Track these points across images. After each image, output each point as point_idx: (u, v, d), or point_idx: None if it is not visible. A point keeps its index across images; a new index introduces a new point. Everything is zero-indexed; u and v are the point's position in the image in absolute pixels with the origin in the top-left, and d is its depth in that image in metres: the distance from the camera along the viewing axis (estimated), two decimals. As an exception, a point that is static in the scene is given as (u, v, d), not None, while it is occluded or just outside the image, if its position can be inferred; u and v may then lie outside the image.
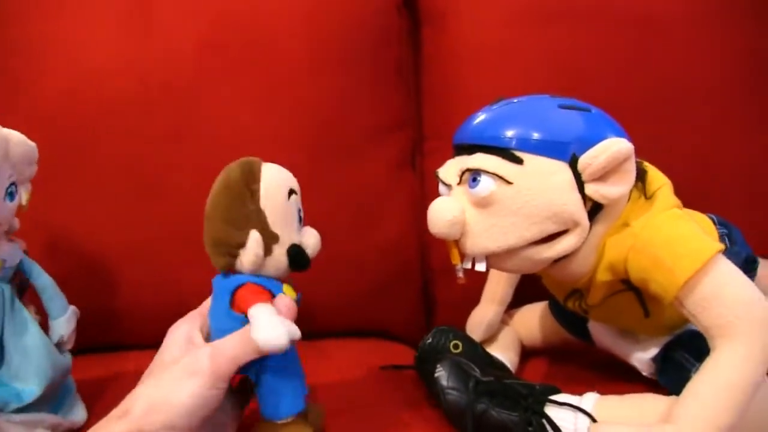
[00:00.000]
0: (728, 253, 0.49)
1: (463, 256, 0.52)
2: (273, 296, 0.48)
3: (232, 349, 0.45)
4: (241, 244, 0.46)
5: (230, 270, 0.48)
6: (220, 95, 0.78)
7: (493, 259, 0.51)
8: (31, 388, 0.53)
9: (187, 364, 0.45)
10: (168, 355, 0.47)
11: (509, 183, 0.48)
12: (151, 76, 0.77)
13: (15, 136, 0.53)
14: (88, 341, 0.63)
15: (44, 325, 0.58)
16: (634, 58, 0.79)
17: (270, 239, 0.47)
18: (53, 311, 0.59)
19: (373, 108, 0.84)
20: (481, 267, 0.51)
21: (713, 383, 0.45)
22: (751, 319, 0.45)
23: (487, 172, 0.49)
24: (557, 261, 0.52)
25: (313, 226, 0.53)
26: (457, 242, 0.51)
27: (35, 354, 0.54)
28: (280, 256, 0.48)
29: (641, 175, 0.52)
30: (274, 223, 0.47)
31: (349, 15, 0.82)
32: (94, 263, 0.76)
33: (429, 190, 0.87)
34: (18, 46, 0.77)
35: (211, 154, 0.75)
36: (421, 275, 0.86)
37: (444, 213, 0.50)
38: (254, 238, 0.46)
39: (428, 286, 0.88)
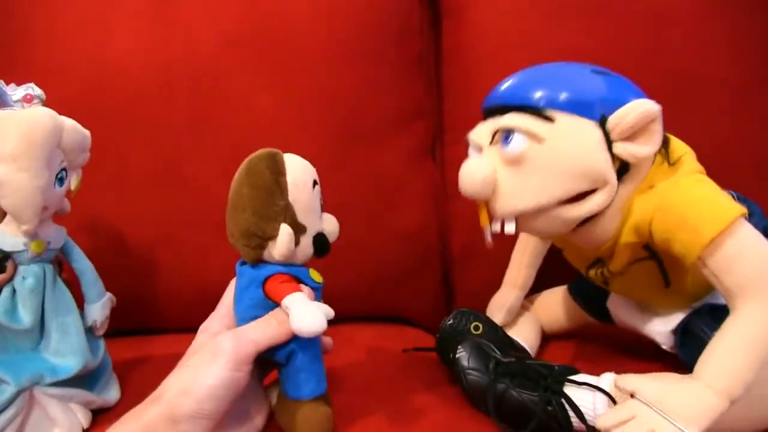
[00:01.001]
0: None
1: (491, 219, 0.53)
2: (300, 282, 0.50)
3: (254, 332, 0.48)
4: (272, 237, 0.48)
5: (258, 260, 0.50)
6: (243, 86, 0.80)
7: (523, 219, 0.52)
8: (70, 364, 0.55)
9: (211, 348, 0.47)
10: (196, 347, 0.50)
11: (541, 140, 0.49)
12: (175, 68, 0.79)
13: (69, 124, 0.55)
14: (116, 325, 0.64)
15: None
16: (652, 49, 0.81)
17: (299, 231, 0.49)
18: (90, 296, 0.61)
19: (394, 98, 0.85)
20: (510, 228, 0.52)
21: (736, 339, 0.46)
22: None
23: (520, 130, 0.50)
24: (584, 223, 0.53)
25: (334, 213, 0.55)
26: (487, 204, 0.52)
27: (74, 332, 0.56)
28: (306, 245, 0.50)
29: (665, 142, 0.53)
30: (302, 215, 0.49)
31: (371, 7, 0.84)
32: (120, 250, 0.77)
33: (449, 179, 0.89)
34: (42, 37, 0.79)
35: (234, 144, 0.78)
36: (441, 262, 0.87)
37: (476, 172, 0.51)
38: (286, 231, 0.48)
39: (448, 273, 0.88)
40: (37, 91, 0.54)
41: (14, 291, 0.54)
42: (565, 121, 0.49)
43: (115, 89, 0.78)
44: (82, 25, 0.80)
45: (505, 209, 0.51)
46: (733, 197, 0.59)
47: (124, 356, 0.69)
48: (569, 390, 0.53)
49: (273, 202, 0.48)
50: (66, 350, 0.55)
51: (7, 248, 0.53)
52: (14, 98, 0.53)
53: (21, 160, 0.50)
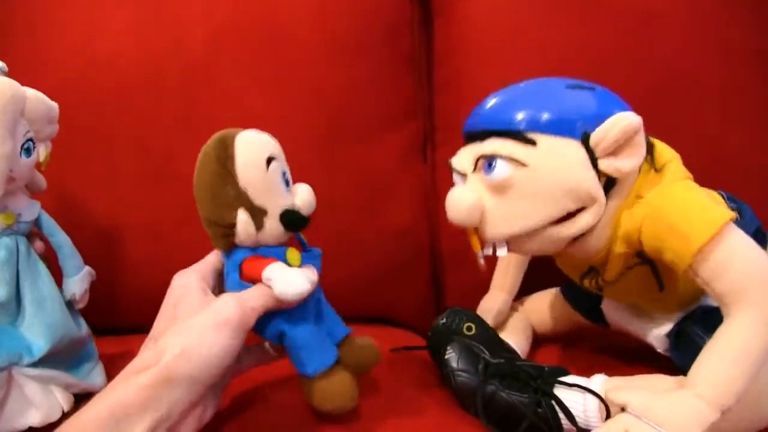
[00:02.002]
0: (738, 225, 0.49)
1: (483, 243, 0.52)
2: (277, 258, 0.49)
3: (254, 299, 0.47)
4: (233, 224, 0.47)
5: (231, 247, 0.50)
6: (233, 81, 0.79)
7: (514, 242, 0.51)
8: (40, 342, 0.54)
9: (214, 314, 0.46)
10: (186, 306, 0.48)
11: (525, 165, 0.48)
12: (164, 61, 0.78)
13: (33, 94, 0.54)
14: (104, 322, 0.63)
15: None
16: (644, 46, 0.80)
17: (258, 214, 0.48)
18: (68, 270, 0.60)
19: (385, 96, 0.84)
20: (502, 252, 0.52)
21: (729, 348, 0.46)
22: (765, 284, 0.46)
23: (502, 157, 0.49)
24: (575, 239, 0.52)
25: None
26: (476, 229, 0.52)
27: (49, 306, 0.55)
28: (273, 225, 0.48)
29: (649, 149, 0.53)
30: (258, 197, 0.48)
31: (362, 4, 0.83)
32: (108, 245, 0.76)
33: (440, 179, 0.88)
34: (30, 29, 0.78)
35: None
36: (431, 262, 0.87)
37: (462, 201, 0.50)
38: (242, 218, 0.47)
39: (438, 273, 0.88)
40: None
41: None
42: (547, 142, 0.48)
43: (104, 82, 0.77)
44: (70, 16, 0.78)
45: (495, 234, 0.51)
46: (723, 197, 0.59)
47: (112, 351, 0.67)
48: (559, 391, 0.52)
49: (225, 190, 0.47)
50: (40, 324, 0.54)
51: None
52: None
53: None
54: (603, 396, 0.51)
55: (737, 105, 0.82)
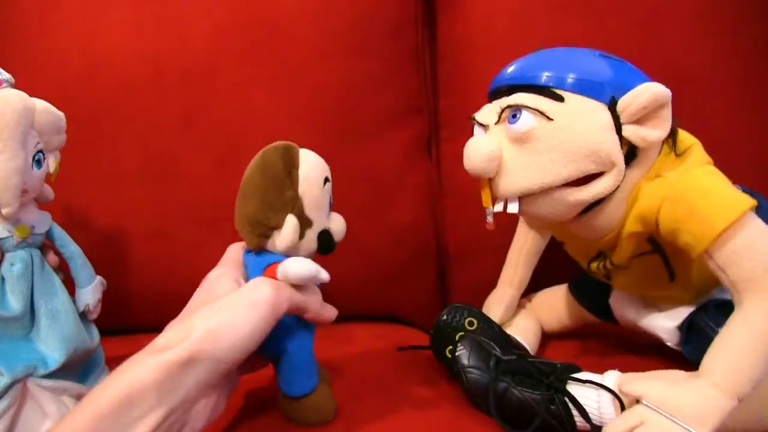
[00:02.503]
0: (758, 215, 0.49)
1: (494, 199, 0.52)
2: None
3: (289, 290, 0.47)
4: (277, 227, 0.49)
5: (261, 248, 0.50)
6: (235, 79, 0.79)
7: (526, 200, 0.51)
8: (55, 355, 0.53)
9: (248, 293, 0.45)
10: (220, 289, 0.48)
11: (550, 119, 0.48)
12: (166, 60, 0.79)
13: (41, 105, 0.55)
14: (108, 323, 0.63)
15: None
16: (653, 42, 0.81)
17: (305, 224, 0.49)
18: (81, 280, 0.60)
19: (389, 93, 0.84)
20: (513, 208, 0.51)
21: (742, 336, 0.45)
22: None
23: (529, 108, 0.49)
24: (588, 210, 0.52)
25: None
26: (490, 183, 0.51)
27: (63, 318, 0.55)
28: (311, 239, 0.50)
29: (672, 133, 0.52)
30: (309, 209, 0.50)
31: (365, 1, 0.84)
32: (111, 245, 0.76)
33: (445, 175, 0.88)
34: (31, 29, 0.78)
35: (226, 137, 0.77)
36: (436, 260, 0.86)
37: (482, 148, 0.50)
38: (291, 222, 0.48)
39: (444, 271, 0.87)
40: (5, 75, 0.53)
41: (2, 279, 0.53)
42: (574, 100, 0.49)
43: (106, 82, 0.77)
44: (72, 16, 0.79)
45: (509, 188, 0.50)
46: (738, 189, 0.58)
47: (117, 353, 0.66)
48: (572, 388, 0.52)
49: (282, 192, 0.49)
50: (55, 336, 0.54)
51: None
52: None
53: None
54: (617, 392, 0.50)
55: (749, 101, 0.81)
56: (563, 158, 0.48)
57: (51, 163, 0.57)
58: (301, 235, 0.49)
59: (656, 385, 0.47)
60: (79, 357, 0.56)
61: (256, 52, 0.80)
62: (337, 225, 0.53)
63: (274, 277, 0.48)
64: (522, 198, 0.51)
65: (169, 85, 0.78)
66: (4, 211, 0.51)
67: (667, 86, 0.48)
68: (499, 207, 0.52)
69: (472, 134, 0.55)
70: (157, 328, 0.74)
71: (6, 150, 0.50)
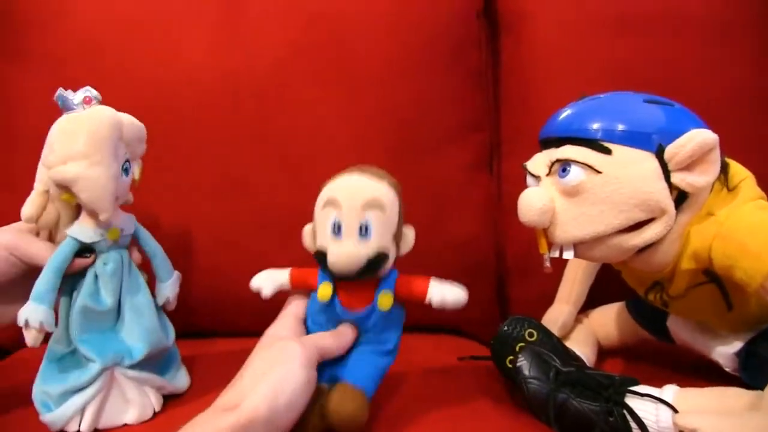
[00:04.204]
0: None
1: (550, 245, 0.54)
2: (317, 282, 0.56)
3: (318, 338, 0.53)
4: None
5: None
6: (306, 96, 0.82)
7: (581, 247, 0.53)
8: (139, 346, 0.59)
9: (279, 352, 0.50)
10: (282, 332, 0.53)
11: (598, 172, 0.50)
12: (241, 77, 0.82)
13: (126, 118, 0.60)
14: (177, 329, 0.66)
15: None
16: (711, 63, 0.80)
17: (315, 235, 0.55)
18: (162, 275, 0.65)
19: (452, 111, 0.86)
20: (569, 255, 0.53)
21: None
22: None
23: (577, 162, 0.51)
24: (642, 250, 0.53)
25: None
26: (545, 231, 0.53)
27: (146, 313, 0.61)
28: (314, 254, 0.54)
29: (724, 168, 0.53)
30: (316, 225, 0.55)
31: (430, 21, 0.86)
32: (183, 254, 0.80)
33: (505, 191, 0.90)
34: (114, 47, 0.82)
35: (295, 151, 0.81)
36: (495, 274, 0.88)
37: (535, 201, 0.52)
38: (307, 229, 0.57)
39: (502, 285, 0.89)
40: (94, 92, 0.58)
41: (96, 276, 0.58)
42: (621, 152, 0.50)
43: (183, 98, 0.81)
44: (151, 35, 0.83)
45: (564, 237, 0.52)
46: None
47: (190, 353, 0.72)
48: (631, 401, 0.52)
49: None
50: (138, 329, 0.60)
51: (87, 240, 0.57)
52: (75, 102, 0.57)
53: (92, 157, 0.54)
54: (675, 406, 0.50)
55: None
56: (613, 209, 0.50)
57: (135, 170, 0.62)
58: (312, 248, 0.55)
59: (712, 419, 0.47)
60: (158, 351, 0.61)
61: (325, 70, 0.83)
62: (331, 252, 0.52)
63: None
64: (577, 245, 0.53)
65: (242, 101, 0.81)
66: (102, 216, 0.56)
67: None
68: (555, 253, 0.54)
69: (524, 176, 0.57)
70: (225, 333, 0.80)
71: (103, 162, 0.55)
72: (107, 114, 0.56)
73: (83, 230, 0.57)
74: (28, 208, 0.57)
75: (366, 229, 0.52)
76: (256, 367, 0.49)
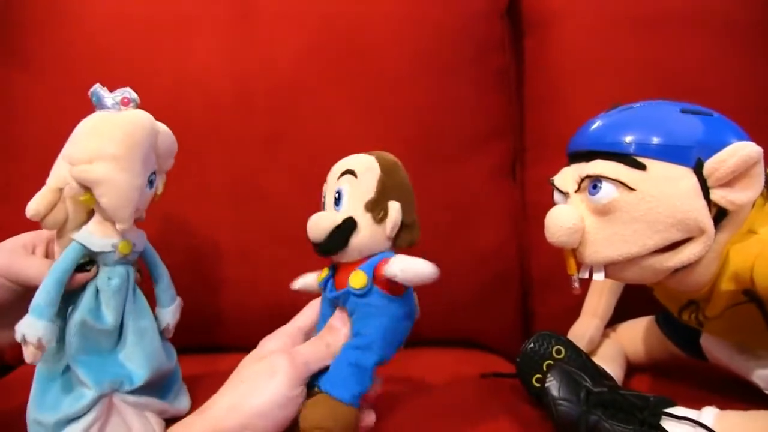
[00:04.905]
0: None
1: (579, 266, 0.52)
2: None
3: (308, 354, 0.49)
4: None
5: None
6: (321, 101, 0.80)
7: (612, 268, 0.50)
8: (141, 371, 0.56)
9: (267, 366, 0.47)
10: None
11: (632, 189, 0.47)
12: (253, 81, 0.80)
13: (163, 129, 0.57)
14: (187, 341, 0.65)
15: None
16: (740, 63, 0.78)
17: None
18: (164, 300, 0.62)
19: (474, 115, 0.84)
20: (599, 276, 0.51)
21: None
22: None
23: (609, 179, 0.48)
24: (678, 270, 0.50)
25: None
26: (574, 251, 0.51)
27: (149, 337, 0.57)
28: None
29: (767, 181, 0.50)
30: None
31: (452, 22, 0.84)
32: (194, 263, 0.78)
33: (529, 199, 0.87)
34: (125, 50, 0.81)
35: (310, 159, 0.78)
36: (519, 286, 0.86)
37: (563, 220, 0.49)
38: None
39: (527, 297, 0.87)
40: (133, 95, 0.55)
41: (96, 291, 0.55)
42: (657, 168, 0.47)
43: (194, 101, 0.80)
44: (164, 38, 0.81)
45: (594, 258, 0.50)
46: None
47: (195, 371, 0.70)
48: (667, 424, 0.50)
49: None
50: (140, 354, 0.56)
51: (96, 249, 0.54)
52: (111, 101, 0.54)
53: (122, 161, 0.51)
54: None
55: None
56: (648, 228, 0.47)
57: (159, 184, 0.59)
58: None
59: None
60: (160, 376, 0.58)
61: (341, 75, 0.81)
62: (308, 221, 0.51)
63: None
64: (607, 266, 0.50)
65: (255, 107, 0.80)
66: (119, 226, 0.53)
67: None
68: (584, 274, 0.51)
69: (552, 199, 0.54)
70: (236, 346, 0.78)
71: (131, 169, 0.52)
72: (145, 119, 0.54)
73: (92, 237, 0.54)
74: (36, 203, 0.53)
75: (338, 196, 0.50)
76: (242, 376, 0.48)
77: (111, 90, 0.55)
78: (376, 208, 0.50)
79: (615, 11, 0.83)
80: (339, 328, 0.51)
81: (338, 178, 0.51)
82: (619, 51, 0.81)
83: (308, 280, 0.56)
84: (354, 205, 0.50)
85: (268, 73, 0.80)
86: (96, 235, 0.54)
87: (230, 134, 0.80)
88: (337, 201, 0.50)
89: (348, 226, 0.49)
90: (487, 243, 0.83)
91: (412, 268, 0.48)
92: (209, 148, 0.79)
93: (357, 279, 0.49)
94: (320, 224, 0.50)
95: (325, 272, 0.53)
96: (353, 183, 0.50)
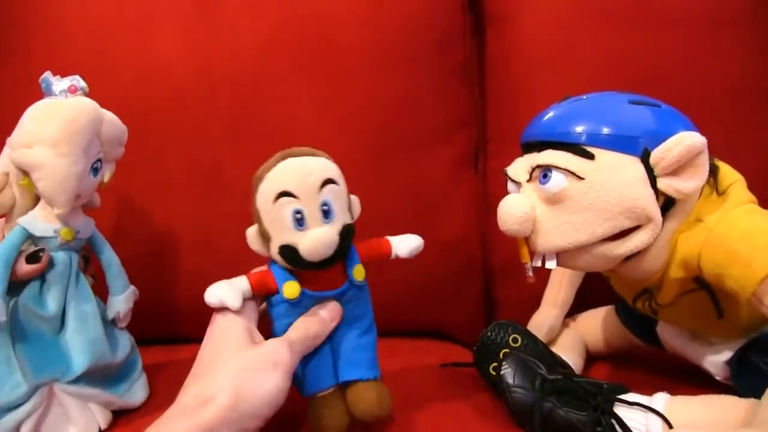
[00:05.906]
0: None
1: (533, 254, 0.52)
2: (277, 284, 0.51)
3: (299, 344, 0.49)
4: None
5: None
6: (284, 92, 0.80)
7: (564, 256, 0.51)
8: (80, 359, 0.55)
9: (271, 356, 0.46)
10: (233, 347, 0.48)
11: (581, 178, 0.48)
12: (216, 72, 0.80)
13: (108, 116, 0.57)
14: (148, 332, 0.64)
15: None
16: (701, 57, 0.78)
17: (264, 236, 0.50)
18: (115, 288, 0.61)
19: (436, 106, 0.84)
20: (551, 264, 0.51)
21: None
22: None
23: (559, 168, 0.49)
24: (628, 258, 0.51)
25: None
26: (527, 240, 0.51)
27: (91, 323, 0.57)
28: (274, 253, 0.50)
29: (713, 171, 0.51)
30: (267, 223, 0.49)
31: (413, 14, 0.83)
32: (156, 254, 0.78)
33: (492, 190, 0.87)
34: (85, 38, 0.80)
35: (273, 149, 0.75)
36: (482, 276, 0.86)
37: (515, 209, 0.50)
38: (250, 232, 0.51)
39: (490, 287, 0.87)
40: (82, 83, 0.55)
41: (43, 278, 0.55)
42: (605, 157, 0.48)
43: (157, 91, 0.79)
44: (125, 27, 0.80)
45: (546, 246, 0.51)
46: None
47: (158, 360, 0.69)
48: (620, 410, 0.51)
49: (253, 202, 0.51)
50: (80, 340, 0.55)
51: (37, 233, 0.54)
52: (59, 89, 0.54)
53: (61, 146, 0.51)
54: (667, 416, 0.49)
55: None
56: (597, 217, 0.48)
57: (106, 173, 0.59)
58: (267, 248, 0.50)
59: None
60: (106, 365, 0.57)
61: (303, 65, 0.81)
62: (305, 242, 0.48)
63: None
64: (559, 254, 0.51)
65: (218, 97, 0.79)
66: (56, 212, 0.53)
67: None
68: (537, 262, 0.52)
69: (506, 188, 0.55)
70: (200, 339, 0.78)
71: (70, 155, 0.52)
72: (88, 106, 0.54)
73: (35, 222, 0.54)
74: None
75: (327, 209, 0.49)
76: (238, 365, 0.46)
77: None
78: (349, 204, 0.52)
79: (578, 2, 0.83)
80: (329, 322, 0.52)
81: (319, 191, 0.49)
82: (582, 42, 0.81)
83: (241, 288, 0.52)
84: (343, 211, 0.51)
85: (231, 63, 0.80)
86: (39, 220, 0.54)
87: (193, 124, 0.79)
88: (327, 213, 0.49)
89: (349, 231, 0.51)
90: (449, 233, 0.83)
91: (415, 247, 0.56)
92: (172, 139, 0.79)
93: (359, 272, 0.53)
94: (330, 239, 0.49)
95: (294, 287, 0.51)
96: (335, 191, 0.50)
